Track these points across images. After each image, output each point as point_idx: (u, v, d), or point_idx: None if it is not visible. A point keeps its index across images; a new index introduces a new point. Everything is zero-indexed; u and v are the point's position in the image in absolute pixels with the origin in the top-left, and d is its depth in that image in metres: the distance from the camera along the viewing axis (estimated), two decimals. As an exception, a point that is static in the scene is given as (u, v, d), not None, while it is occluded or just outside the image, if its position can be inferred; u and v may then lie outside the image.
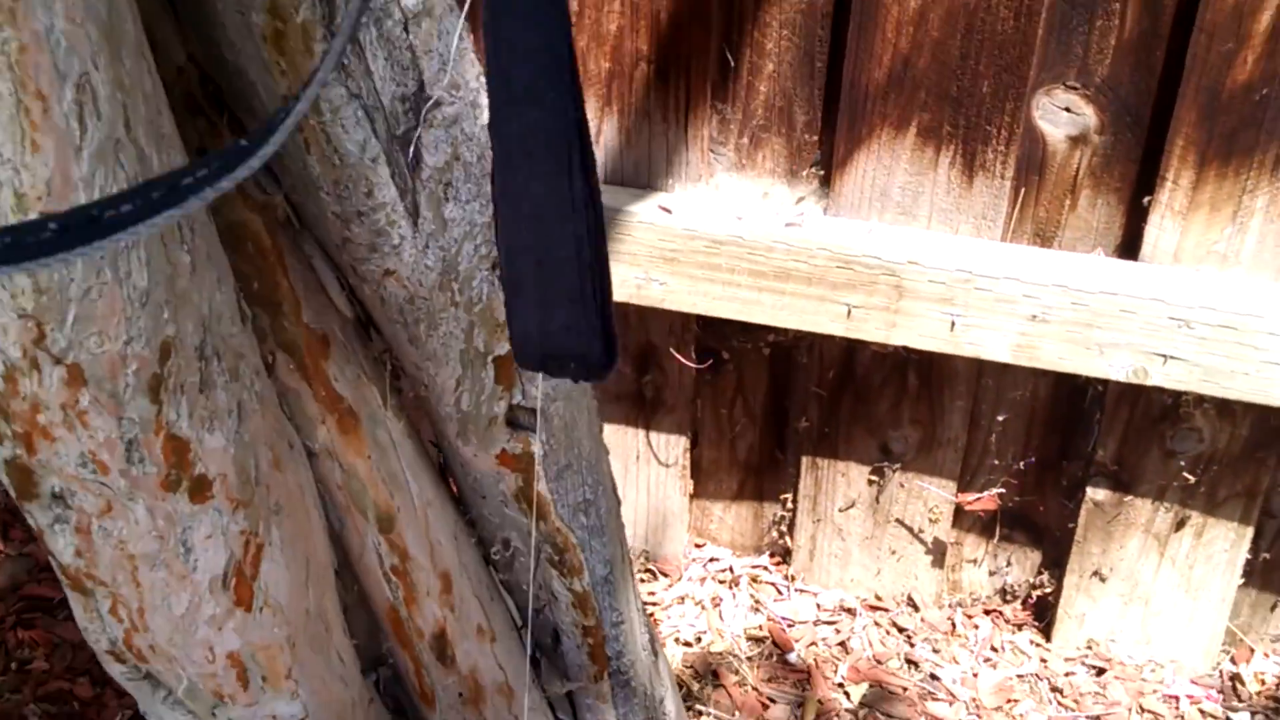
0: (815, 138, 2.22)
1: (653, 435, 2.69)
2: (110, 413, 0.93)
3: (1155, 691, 2.54)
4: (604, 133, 2.28)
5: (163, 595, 1.06)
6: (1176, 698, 2.53)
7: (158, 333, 0.92)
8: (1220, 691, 2.55)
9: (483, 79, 1.16)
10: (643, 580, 2.83)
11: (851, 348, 2.40)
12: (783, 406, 2.61)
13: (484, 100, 1.16)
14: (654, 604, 2.74)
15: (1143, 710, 2.50)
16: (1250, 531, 2.39)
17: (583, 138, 0.68)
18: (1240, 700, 2.53)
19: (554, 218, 0.70)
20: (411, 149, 1.10)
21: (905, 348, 2.29)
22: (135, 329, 0.90)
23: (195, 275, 0.98)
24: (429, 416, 1.38)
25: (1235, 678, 2.58)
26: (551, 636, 1.60)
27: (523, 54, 0.65)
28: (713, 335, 2.54)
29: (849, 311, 2.19)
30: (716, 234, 2.20)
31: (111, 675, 1.18)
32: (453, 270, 1.20)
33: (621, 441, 2.72)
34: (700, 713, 2.43)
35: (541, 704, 1.62)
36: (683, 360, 2.54)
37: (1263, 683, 2.55)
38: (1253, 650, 2.60)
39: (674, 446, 2.70)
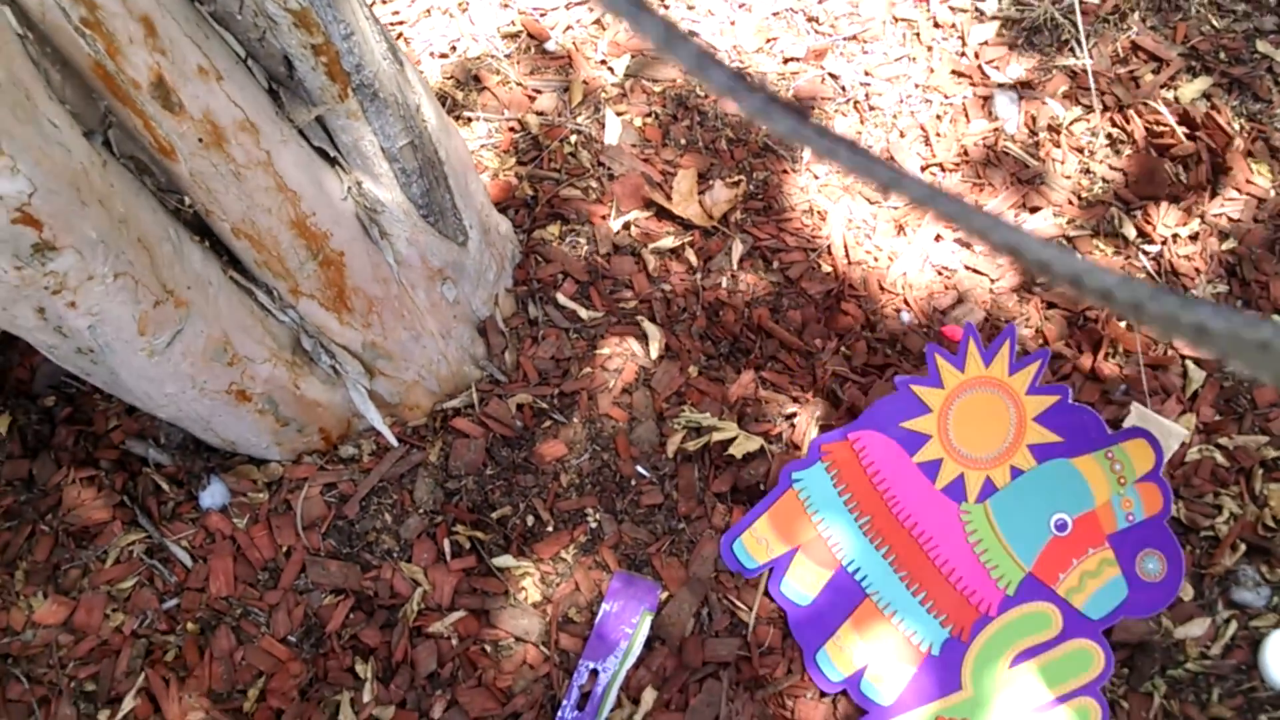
0: None
1: None
2: None
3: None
4: None
5: None
6: (927, 0, 2.66)
7: None
8: (967, -15, 2.69)
9: None
10: (383, 0, 2.77)
11: None
12: None
13: None
14: (400, 23, 2.70)
15: (896, 20, 2.64)
16: None
17: None
18: (987, -10, 2.68)
19: None
20: None
21: None
22: None
23: None
24: None
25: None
26: (284, 64, 1.58)
27: None
28: None
29: None
30: None
31: None
32: None
33: None
34: (469, 119, 2.49)
35: (292, 135, 1.63)
36: None
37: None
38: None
39: None
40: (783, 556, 1.97)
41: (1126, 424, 1.94)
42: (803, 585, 1.95)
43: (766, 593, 1.96)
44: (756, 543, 1.97)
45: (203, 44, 1.46)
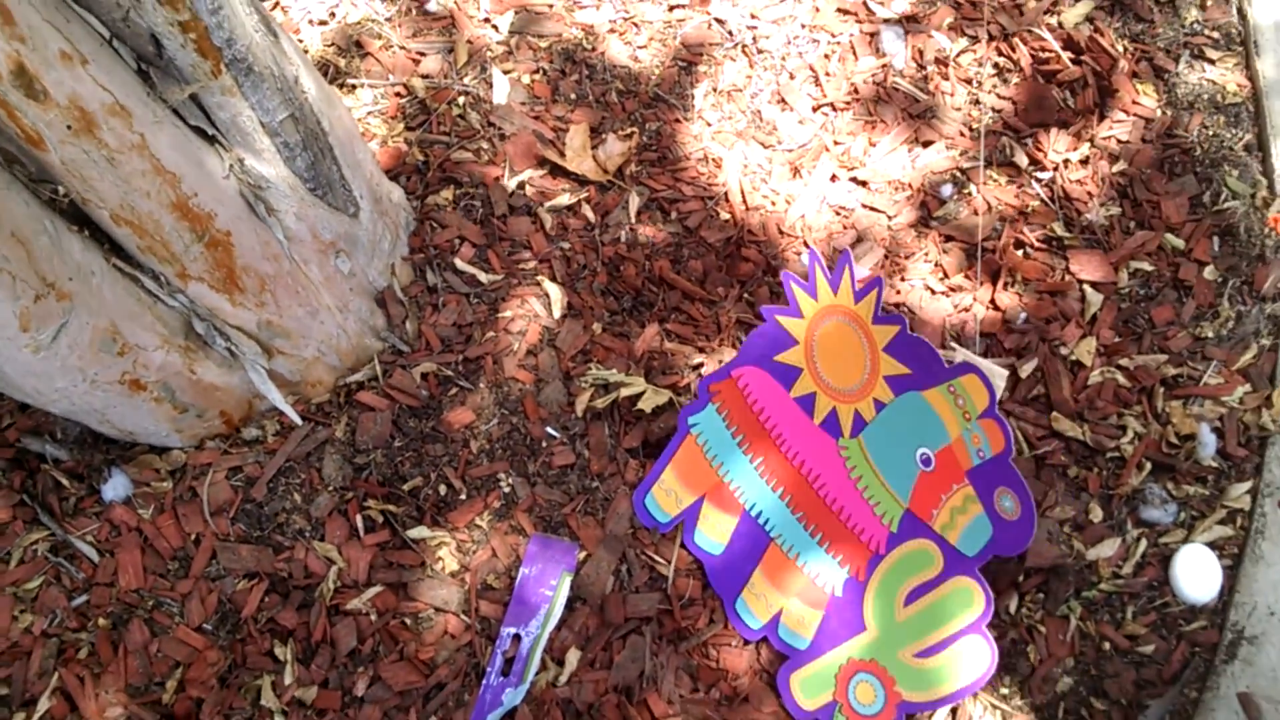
0: None
1: None
2: None
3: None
4: None
5: None
6: (810, -60, 2.67)
7: None
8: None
9: None
10: (255, -31, 2.71)
11: None
12: None
13: None
14: (275, -11, 2.66)
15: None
16: None
17: None
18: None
19: None
20: None
21: None
22: None
23: None
24: None
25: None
26: (152, 43, 1.55)
27: None
28: None
29: None
30: None
31: None
32: None
33: None
34: (354, 86, 2.46)
35: (167, 115, 1.60)
36: None
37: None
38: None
39: None
40: (691, 507, 1.99)
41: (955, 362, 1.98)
42: (713, 534, 1.98)
43: (683, 545, 1.98)
44: (666, 495, 2.00)
45: (64, 28, 1.43)
